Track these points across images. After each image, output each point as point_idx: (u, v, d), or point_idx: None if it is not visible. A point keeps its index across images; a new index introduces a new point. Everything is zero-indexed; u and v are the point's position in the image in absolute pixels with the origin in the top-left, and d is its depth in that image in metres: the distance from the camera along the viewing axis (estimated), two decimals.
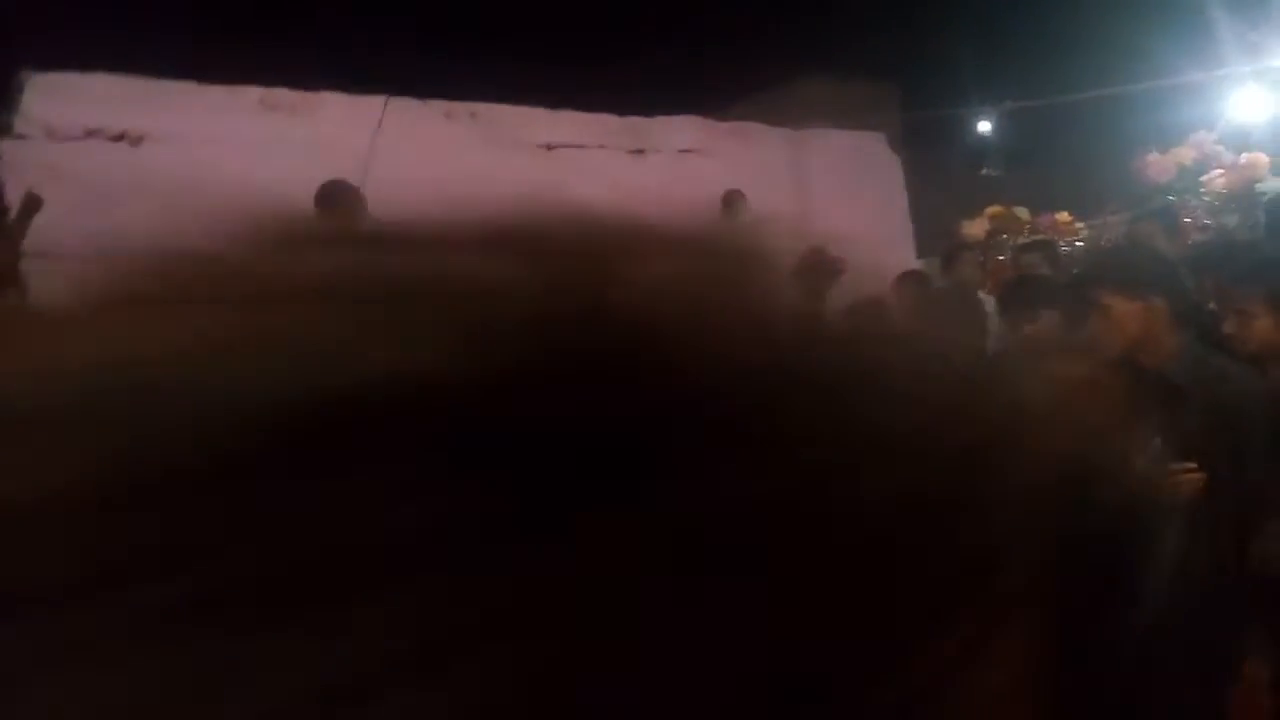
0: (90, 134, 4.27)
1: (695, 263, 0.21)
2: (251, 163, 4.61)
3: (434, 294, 0.19)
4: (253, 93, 4.73)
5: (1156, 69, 7.16)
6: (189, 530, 0.15)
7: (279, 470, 0.15)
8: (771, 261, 0.21)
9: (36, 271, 4.08)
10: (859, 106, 8.33)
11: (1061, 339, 3.33)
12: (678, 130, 6.53)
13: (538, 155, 5.70)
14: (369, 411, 0.16)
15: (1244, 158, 5.45)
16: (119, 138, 4.32)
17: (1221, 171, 5.50)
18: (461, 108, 5.44)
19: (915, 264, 6.82)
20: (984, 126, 7.99)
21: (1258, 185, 5.30)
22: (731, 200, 6.81)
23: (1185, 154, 5.73)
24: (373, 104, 5.04)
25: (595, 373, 0.17)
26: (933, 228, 6.76)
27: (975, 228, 6.07)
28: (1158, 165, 5.76)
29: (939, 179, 7.57)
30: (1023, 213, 6.12)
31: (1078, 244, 5.52)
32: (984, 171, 7.95)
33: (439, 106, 5.35)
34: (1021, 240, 5.48)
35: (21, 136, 4.10)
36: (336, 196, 4.23)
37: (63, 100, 4.19)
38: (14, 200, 4.02)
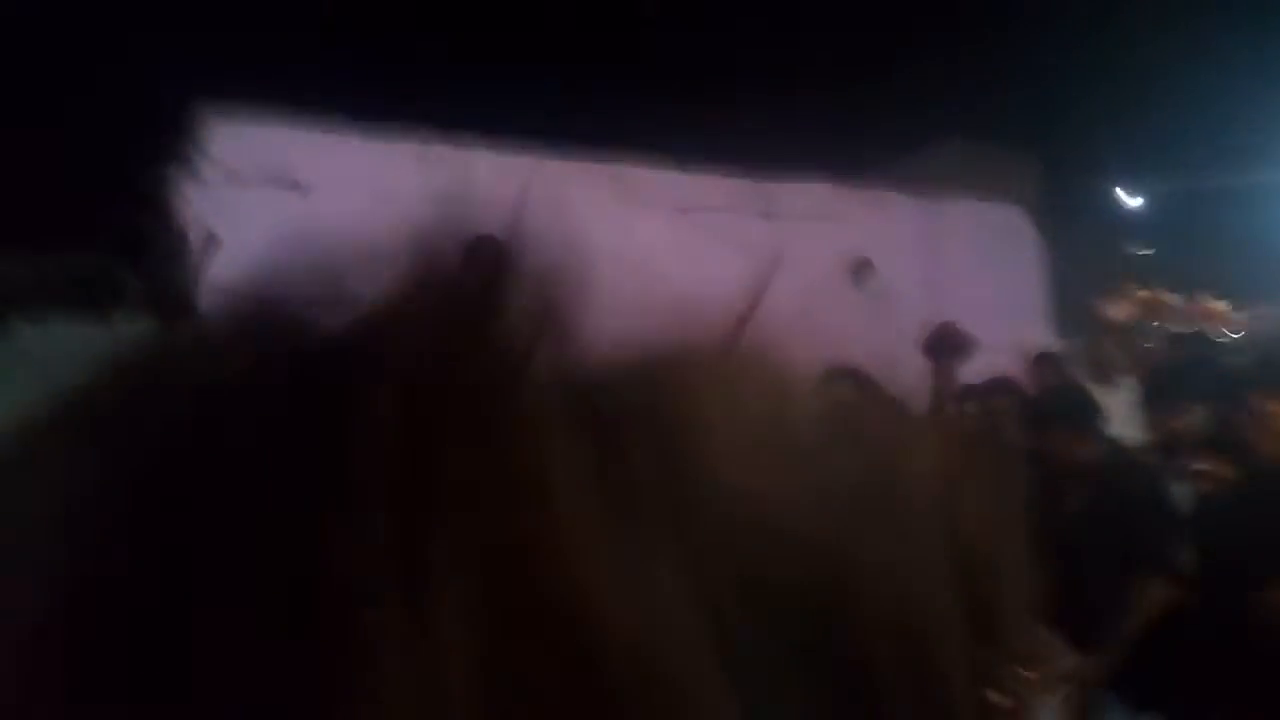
0: (266, 180, 4.61)
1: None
2: (408, 215, 4.88)
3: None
4: (409, 148, 5.02)
5: None
6: None
7: None
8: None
9: (207, 306, 4.41)
10: (997, 176, 8.18)
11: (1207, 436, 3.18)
12: (808, 195, 6.56)
13: (672, 217, 5.82)
14: None
15: None
16: (291, 185, 4.66)
17: None
18: (603, 169, 5.62)
19: (1052, 345, 6.61)
20: (1130, 203, 7.71)
21: None
22: (860, 268, 6.80)
23: None
24: (521, 161, 5.27)
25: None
26: (1072, 308, 6.54)
27: (1120, 310, 5.85)
28: None
29: (1080, 257, 7.34)
30: (1172, 298, 5.87)
31: (1233, 335, 5.26)
32: (1129, 251, 7.67)
33: (581, 166, 5.55)
34: (1171, 327, 5.24)
35: (205, 180, 4.46)
36: (481, 250, 4.42)
37: (244, 147, 4.54)
38: (196, 239, 4.37)
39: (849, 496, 0.25)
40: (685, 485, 0.23)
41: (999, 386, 4.49)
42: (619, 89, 8.34)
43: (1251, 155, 7.44)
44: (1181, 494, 3.14)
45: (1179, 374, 3.56)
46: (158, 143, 4.37)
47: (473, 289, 0.26)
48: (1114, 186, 7.78)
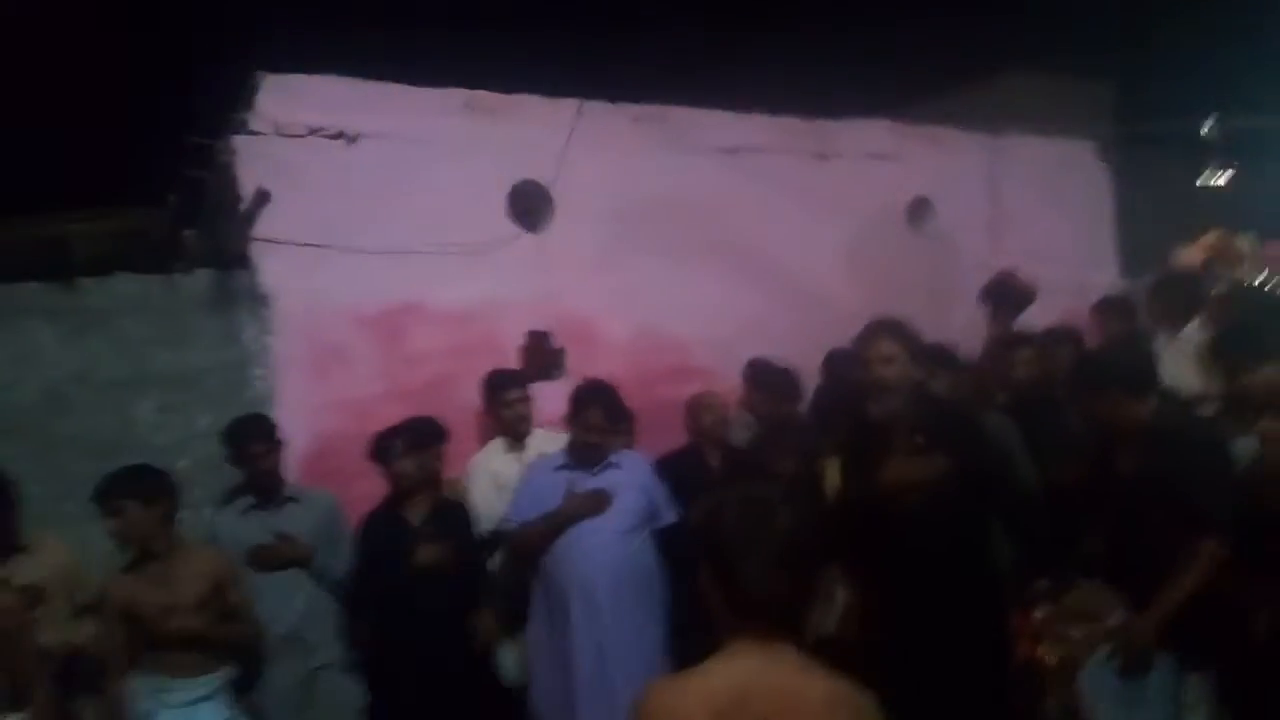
0: (313, 132, 4.63)
1: None
2: (455, 162, 4.88)
3: None
4: (458, 95, 4.99)
5: None
6: None
7: None
8: None
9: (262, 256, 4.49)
10: (1066, 110, 7.83)
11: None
12: (866, 134, 6.37)
13: (722, 159, 5.72)
14: None
15: None
16: (338, 136, 4.67)
17: None
18: (650, 111, 5.52)
19: (1118, 286, 6.39)
20: (1207, 135, 7.32)
21: None
22: (918, 209, 6.61)
23: None
24: (568, 106, 5.20)
25: None
26: (1142, 250, 6.29)
27: (1190, 255, 5.60)
28: None
29: (1151, 196, 7.02)
30: (1245, 241, 5.59)
31: None
32: (1202, 182, 7.26)
33: (628, 110, 5.46)
34: (1245, 274, 5.01)
35: (254, 133, 4.49)
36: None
37: (290, 100, 4.56)
38: (246, 191, 4.44)
39: None
40: None
41: (1059, 336, 4.36)
42: (664, 28, 8.15)
43: None
44: (1245, 450, 3.03)
45: (1252, 329, 3.41)
46: (212, 102, 4.42)
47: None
48: (1191, 122, 7.39)
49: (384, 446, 3.77)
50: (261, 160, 4.46)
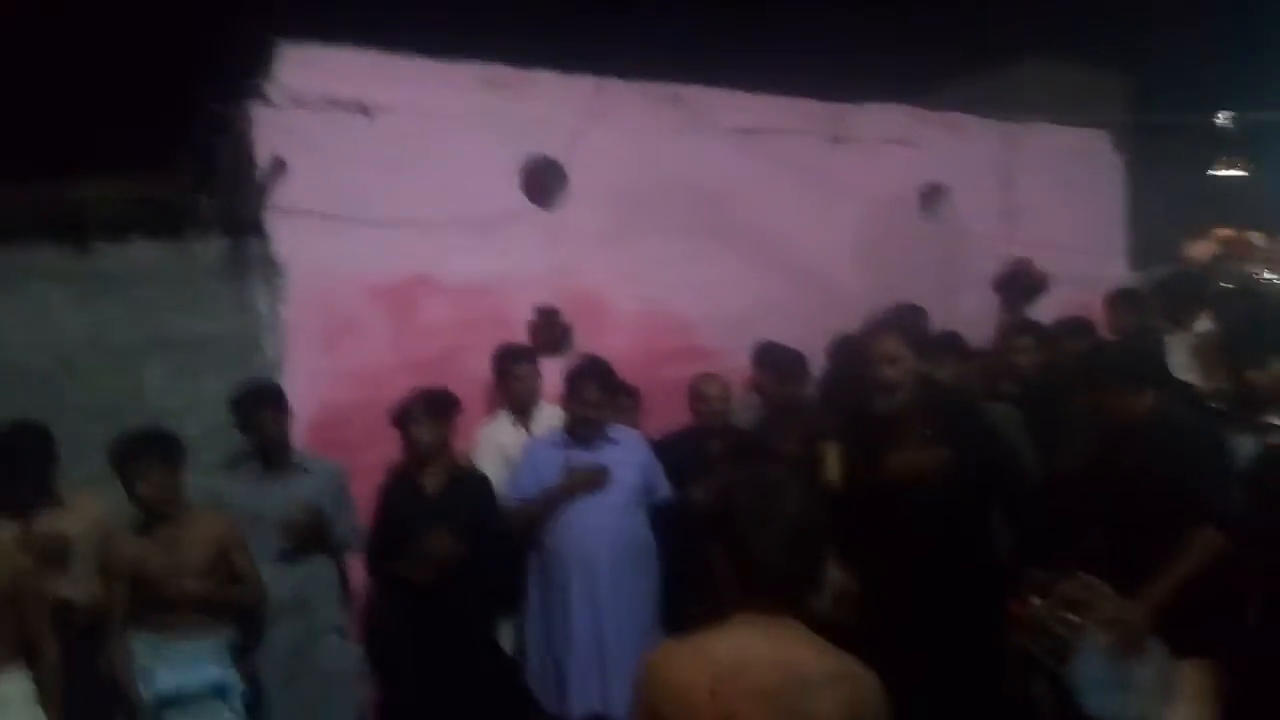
0: (330, 103, 4.64)
1: None
2: (470, 136, 4.89)
3: None
4: (474, 69, 4.98)
5: None
6: None
7: None
8: None
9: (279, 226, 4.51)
10: (1082, 98, 7.78)
11: None
12: (882, 118, 6.34)
13: (736, 139, 5.70)
14: None
15: None
16: (354, 108, 4.67)
17: None
18: (666, 90, 5.51)
19: (1128, 278, 6.37)
20: (1222, 127, 7.26)
21: None
22: (932, 195, 6.59)
23: None
24: (583, 83, 5.19)
25: None
26: (1154, 242, 6.26)
27: (1201, 249, 5.58)
28: None
29: (1166, 184, 6.98)
30: (1258, 237, 5.56)
31: None
32: (1213, 172, 7.20)
33: (644, 89, 5.44)
34: (1254, 268, 4.99)
35: (270, 103, 4.50)
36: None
37: (307, 70, 4.56)
38: (262, 160, 4.45)
39: None
40: None
41: (1072, 328, 4.36)
42: (683, 7, 8.11)
43: None
44: (1248, 446, 3.05)
45: (1260, 326, 3.41)
46: (229, 70, 4.42)
47: None
48: (1206, 114, 7.33)
49: (406, 411, 3.79)
50: (277, 130, 4.46)
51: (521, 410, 4.35)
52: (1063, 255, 5.89)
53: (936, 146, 6.47)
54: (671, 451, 4.12)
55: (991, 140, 6.77)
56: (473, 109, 4.91)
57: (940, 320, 4.78)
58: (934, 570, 3.17)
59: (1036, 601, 3.24)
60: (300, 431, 4.12)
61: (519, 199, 5.06)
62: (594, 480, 3.79)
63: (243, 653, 3.47)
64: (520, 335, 4.86)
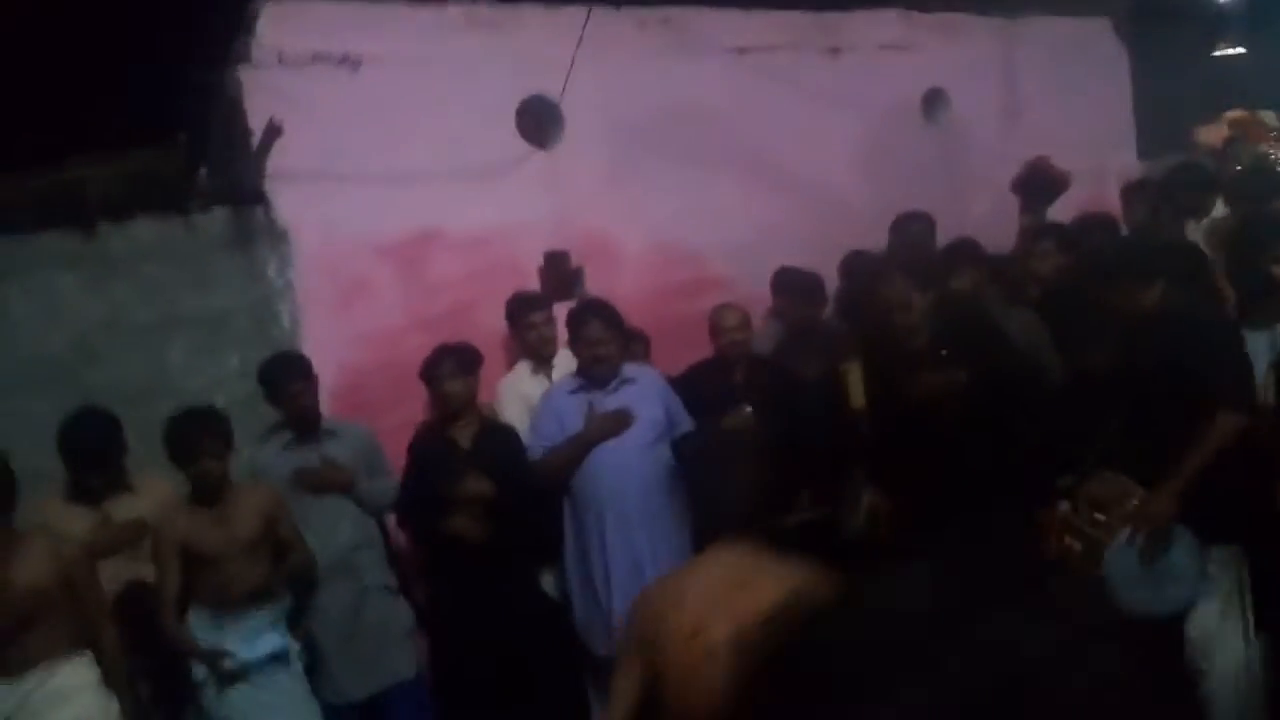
0: (315, 59, 4.53)
1: None
2: (460, 81, 4.78)
3: None
4: (457, 10, 4.84)
5: None
6: None
7: None
8: None
9: (277, 193, 4.45)
10: None
11: None
12: (877, 25, 6.18)
13: (730, 60, 5.57)
14: None
15: None
16: (341, 61, 4.56)
17: None
18: (654, 14, 5.36)
19: (1137, 168, 6.27)
20: (1221, 4, 7.05)
21: None
22: (934, 100, 6.45)
23: None
24: (570, 15, 5.05)
25: None
26: (1161, 125, 6.14)
27: (1212, 133, 5.47)
28: None
29: (1171, 72, 6.80)
30: (1270, 117, 5.44)
31: None
32: (1220, 50, 7.00)
33: (632, 15, 5.30)
34: (1272, 150, 4.89)
35: (256, 65, 4.39)
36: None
37: (291, 27, 4.44)
38: (255, 124, 4.36)
39: None
40: None
41: (1092, 223, 4.30)
42: None
43: None
44: (1261, 341, 3.04)
45: (1275, 218, 3.38)
46: (212, 34, 4.30)
47: None
48: None
49: (434, 367, 3.80)
50: (266, 91, 4.36)
51: (540, 359, 4.35)
52: (1069, 150, 5.79)
53: (934, 50, 6.32)
54: (696, 384, 4.12)
55: (990, 38, 6.60)
56: (461, 51, 4.79)
57: (951, 226, 4.72)
58: (961, 484, 3.20)
59: (1064, 506, 3.28)
60: (323, 398, 4.13)
61: (518, 143, 4.97)
62: (618, 424, 3.80)
63: (297, 617, 3.54)
64: (531, 283, 4.83)
